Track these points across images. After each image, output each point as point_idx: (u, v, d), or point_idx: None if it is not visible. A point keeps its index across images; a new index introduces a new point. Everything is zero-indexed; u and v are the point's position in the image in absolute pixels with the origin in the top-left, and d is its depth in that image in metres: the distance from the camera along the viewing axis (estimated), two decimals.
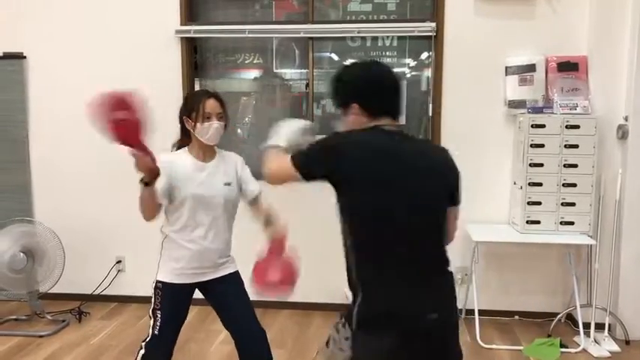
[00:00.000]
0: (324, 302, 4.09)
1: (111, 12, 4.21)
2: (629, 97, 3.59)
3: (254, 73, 4.44)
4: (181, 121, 2.49)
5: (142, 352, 2.47)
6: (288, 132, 2.00)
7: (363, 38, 4.19)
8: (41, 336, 3.78)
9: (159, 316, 2.44)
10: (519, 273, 4.07)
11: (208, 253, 2.47)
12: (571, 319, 3.95)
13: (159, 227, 2.51)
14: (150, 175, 2.19)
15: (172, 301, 2.46)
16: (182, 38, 4.18)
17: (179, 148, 2.53)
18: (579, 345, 3.58)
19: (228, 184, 2.50)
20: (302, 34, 4.13)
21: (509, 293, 4.10)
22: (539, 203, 3.72)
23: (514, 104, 3.89)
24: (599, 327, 3.66)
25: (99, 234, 4.35)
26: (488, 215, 3.98)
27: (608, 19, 3.72)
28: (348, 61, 2.04)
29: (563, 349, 3.55)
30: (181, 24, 4.18)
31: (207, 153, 2.49)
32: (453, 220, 1.86)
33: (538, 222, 3.72)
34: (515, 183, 3.90)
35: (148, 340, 2.46)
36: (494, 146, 4.00)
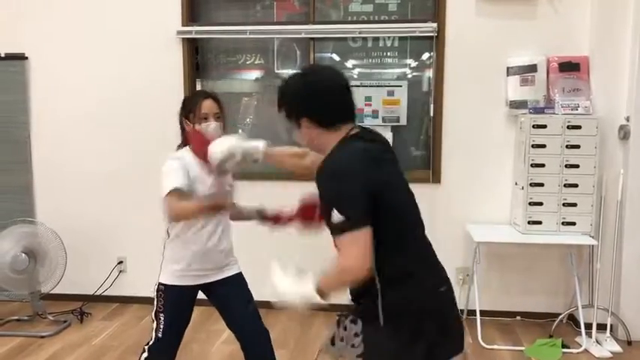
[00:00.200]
0: (325, 303, 4.07)
1: (112, 13, 4.21)
2: (630, 97, 3.59)
3: (255, 74, 4.44)
4: (181, 123, 2.49)
5: (145, 355, 2.45)
6: (231, 147, 2.11)
7: (364, 39, 4.19)
8: (43, 336, 3.79)
9: (162, 318, 2.42)
10: (521, 273, 4.07)
11: (214, 254, 2.46)
12: (573, 319, 3.95)
13: (160, 228, 2.51)
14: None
15: (175, 303, 2.45)
16: (183, 39, 4.19)
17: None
18: (581, 345, 3.58)
19: (231, 185, 2.51)
20: (303, 35, 4.14)
21: (511, 294, 4.09)
22: (540, 204, 3.71)
23: (515, 104, 3.89)
24: (601, 327, 3.65)
25: (100, 234, 4.35)
26: (489, 216, 3.96)
27: (609, 19, 3.71)
28: (290, 73, 1.97)
29: (565, 350, 3.55)
30: (182, 25, 4.18)
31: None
32: None
33: (539, 222, 3.72)
34: (516, 183, 3.89)
35: (151, 343, 2.44)
36: (496, 147, 3.99)
